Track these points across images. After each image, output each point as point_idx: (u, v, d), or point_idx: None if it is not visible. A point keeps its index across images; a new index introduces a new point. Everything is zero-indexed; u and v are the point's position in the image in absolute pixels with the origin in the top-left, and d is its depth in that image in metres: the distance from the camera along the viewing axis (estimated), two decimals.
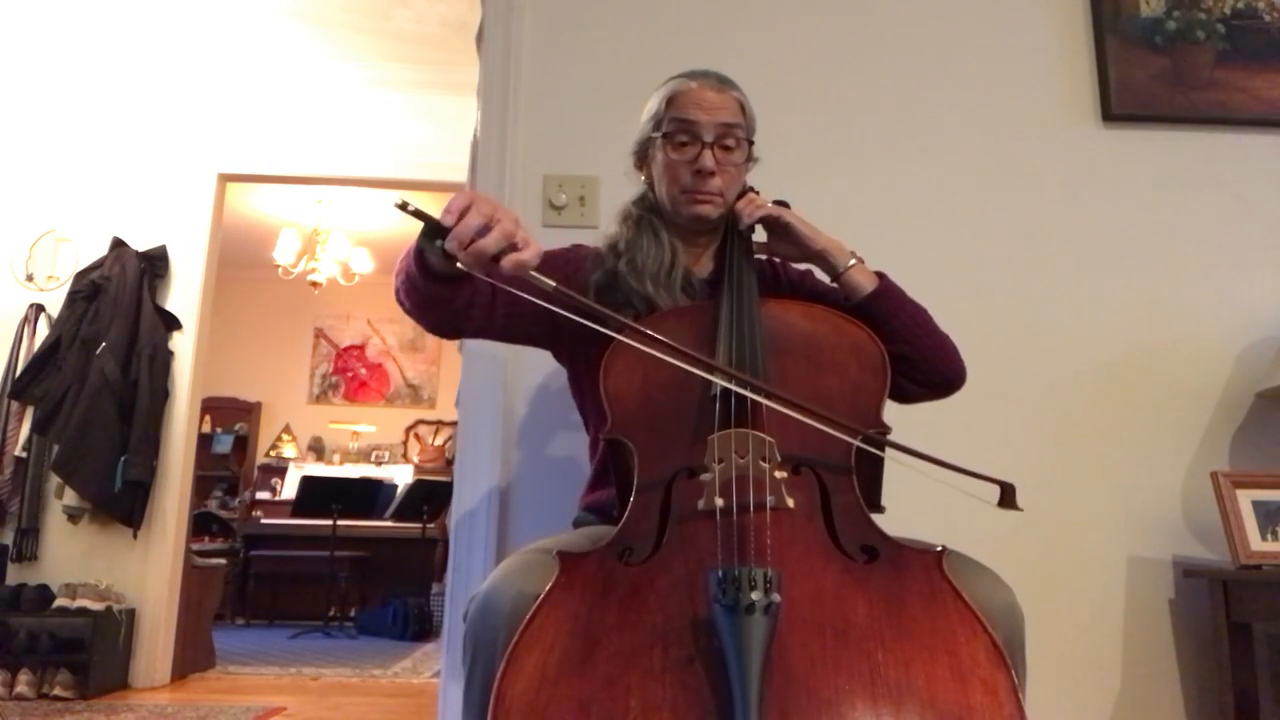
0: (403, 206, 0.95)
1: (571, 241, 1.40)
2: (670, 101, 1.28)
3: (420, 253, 1.05)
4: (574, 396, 1.41)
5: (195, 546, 4.47)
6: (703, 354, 1.08)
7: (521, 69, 1.89)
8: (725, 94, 1.28)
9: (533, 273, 0.94)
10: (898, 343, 1.18)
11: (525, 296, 1.00)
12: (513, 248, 0.94)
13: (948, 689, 0.77)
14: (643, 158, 1.35)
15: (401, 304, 1.16)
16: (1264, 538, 1.65)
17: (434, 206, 1.00)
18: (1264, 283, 1.89)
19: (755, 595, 0.77)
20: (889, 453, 1.00)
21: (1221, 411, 1.83)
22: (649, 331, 1.01)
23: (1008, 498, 0.98)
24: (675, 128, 1.27)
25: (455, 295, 1.13)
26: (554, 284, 0.95)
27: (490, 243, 0.92)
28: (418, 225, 0.98)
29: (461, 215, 0.93)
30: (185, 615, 3.70)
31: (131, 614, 3.46)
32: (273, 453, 6.84)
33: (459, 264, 0.95)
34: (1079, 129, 1.95)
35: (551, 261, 1.27)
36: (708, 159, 1.26)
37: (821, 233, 1.28)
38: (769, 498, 0.92)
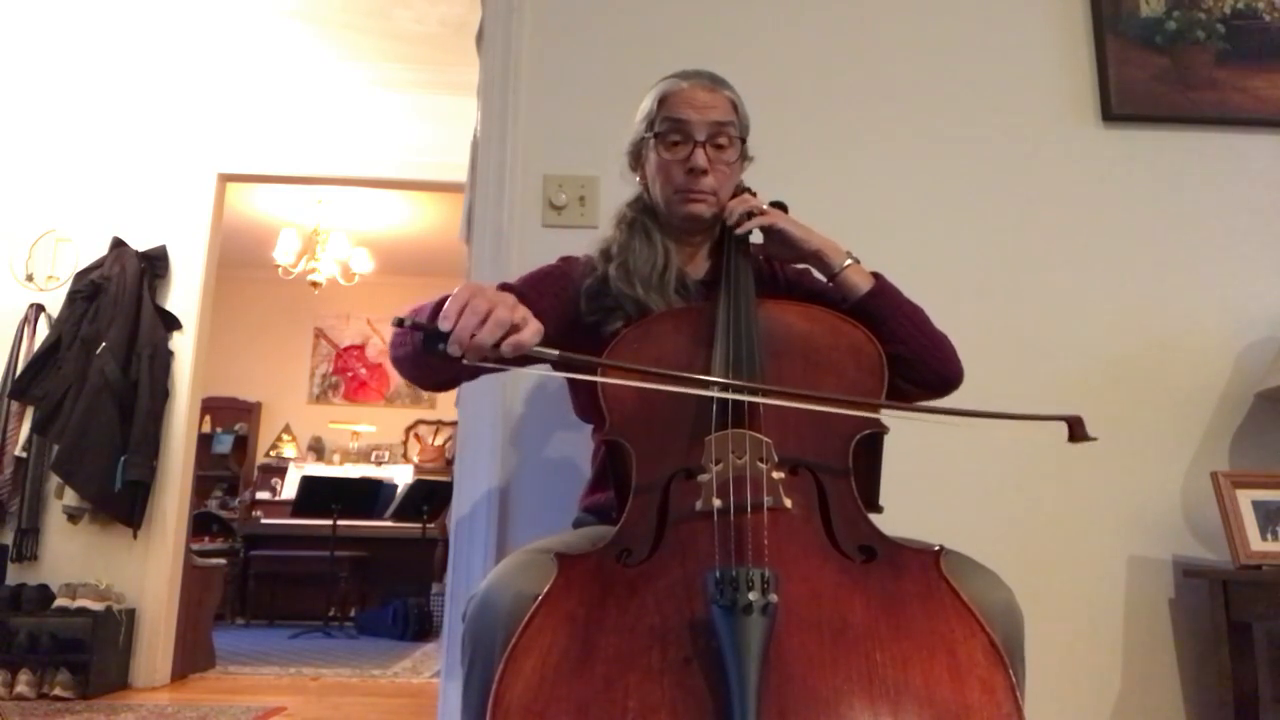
0: (399, 323, 0.99)
1: (570, 242, 1.40)
2: (662, 101, 1.29)
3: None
4: (571, 401, 1.40)
5: (195, 546, 4.46)
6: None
7: (521, 69, 1.89)
8: (717, 93, 1.28)
9: (536, 347, 0.96)
10: (894, 343, 1.18)
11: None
12: (513, 330, 0.94)
13: (945, 688, 0.77)
14: (637, 158, 1.36)
15: (404, 376, 1.20)
16: (1264, 538, 1.65)
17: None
18: (1264, 283, 1.89)
19: (753, 595, 0.77)
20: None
21: (1221, 411, 1.83)
22: (647, 369, 1.05)
23: (1077, 431, 0.97)
24: (667, 127, 1.28)
25: (462, 365, 1.14)
26: (557, 353, 0.96)
27: (487, 336, 0.93)
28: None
29: (458, 317, 0.93)
30: (185, 615, 3.70)
31: (131, 614, 3.46)
32: (273, 453, 6.84)
33: (464, 360, 0.96)
34: (1079, 129, 1.95)
35: (539, 284, 1.28)
36: (700, 158, 1.26)
37: (815, 233, 1.28)
38: (766, 498, 0.92)
